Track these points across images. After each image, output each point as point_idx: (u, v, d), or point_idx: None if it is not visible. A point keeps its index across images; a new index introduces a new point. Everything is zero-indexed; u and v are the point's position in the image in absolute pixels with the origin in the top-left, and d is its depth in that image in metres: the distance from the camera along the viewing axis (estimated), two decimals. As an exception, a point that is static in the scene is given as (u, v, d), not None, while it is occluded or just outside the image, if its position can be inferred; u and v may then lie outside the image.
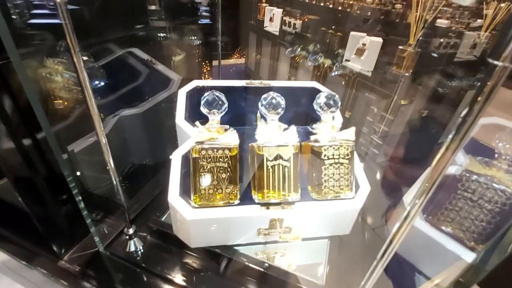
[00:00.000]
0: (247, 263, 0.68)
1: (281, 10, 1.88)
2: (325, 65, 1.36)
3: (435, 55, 1.27)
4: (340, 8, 1.58)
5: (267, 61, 2.18)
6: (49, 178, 0.67)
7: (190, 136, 0.75)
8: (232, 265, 0.69)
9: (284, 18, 1.83)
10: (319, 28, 1.58)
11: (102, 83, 0.82)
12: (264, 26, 2.09)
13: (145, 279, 0.69)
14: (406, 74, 1.20)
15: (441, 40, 1.24)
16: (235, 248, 0.70)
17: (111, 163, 0.62)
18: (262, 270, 0.67)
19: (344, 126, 0.86)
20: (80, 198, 0.62)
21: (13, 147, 0.62)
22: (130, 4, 1.03)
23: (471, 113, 0.30)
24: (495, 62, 0.26)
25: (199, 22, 1.51)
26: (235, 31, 2.34)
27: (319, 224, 0.71)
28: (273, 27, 2.00)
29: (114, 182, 0.63)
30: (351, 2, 1.51)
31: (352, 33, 1.38)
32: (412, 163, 1.27)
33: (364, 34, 1.39)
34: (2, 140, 0.61)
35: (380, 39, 1.32)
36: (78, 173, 0.75)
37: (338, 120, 0.80)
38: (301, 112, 0.90)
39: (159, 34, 1.20)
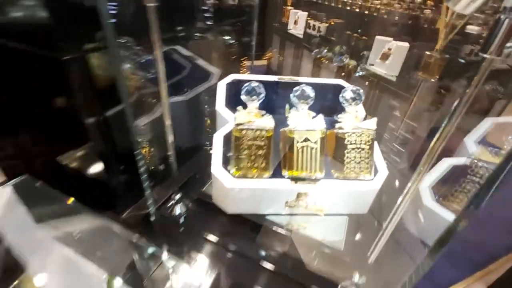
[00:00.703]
0: (275, 229, 0.79)
1: (306, 13, 1.90)
2: (350, 66, 1.44)
3: (464, 61, 1.23)
4: (366, 12, 1.61)
5: (289, 63, 2.23)
6: (115, 149, 0.82)
7: (228, 120, 0.87)
8: (261, 231, 0.80)
9: (309, 21, 1.87)
10: (344, 31, 1.62)
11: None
12: (288, 28, 2.11)
13: (186, 238, 0.81)
14: (432, 80, 1.20)
15: (472, 47, 1.20)
16: (265, 217, 0.81)
17: (171, 139, 0.75)
18: (288, 235, 0.77)
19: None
20: (142, 163, 0.76)
21: (93, 122, 0.77)
22: (182, 8, 1.17)
23: (466, 93, 0.39)
24: (484, 55, 0.35)
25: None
26: (259, 32, 2.44)
27: (340, 202, 0.81)
28: (297, 30, 2.01)
29: (170, 154, 0.77)
30: (378, 7, 1.53)
31: (377, 37, 1.40)
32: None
33: (390, 39, 1.40)
34: (85, 115, 0.75)
35: (406, 44, 1.32)
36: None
37: (361, 113, 0.89)
38: (327, 106, 1.00)
39: (201, 34, 1.34)
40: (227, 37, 1.59)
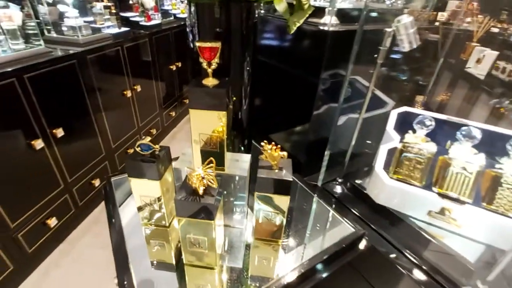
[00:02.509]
0: (413, 228, 1.01)
1: (496, 53, 1.72)
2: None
3: None
4: None
5: (456, 104, 2.10)
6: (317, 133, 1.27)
7: (393, 139, 1.15)
8: (400, 226, 1.04)
9: (498, 62, 1.69)
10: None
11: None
12: (466, 66, 2.00)
13: (338, 209, 1.15)
14: None
15: None
16: (407, 217, 1.05)
17: (353, 141, 1.13)
18: (423, 237, 0.98)
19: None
20: (327, 150, 1.17)
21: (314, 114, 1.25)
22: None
23: None
24: None
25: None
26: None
27: (481, 229, 0.94)
28: (478, 70, 1.84)
29: (349, 152, 1.14)
30: None
31: None
32: None
33: None
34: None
35: None
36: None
37: (529, 164, 0.97)
38: (494, 151, 1.09)
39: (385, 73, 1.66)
40: (402, 75, 1.84)
